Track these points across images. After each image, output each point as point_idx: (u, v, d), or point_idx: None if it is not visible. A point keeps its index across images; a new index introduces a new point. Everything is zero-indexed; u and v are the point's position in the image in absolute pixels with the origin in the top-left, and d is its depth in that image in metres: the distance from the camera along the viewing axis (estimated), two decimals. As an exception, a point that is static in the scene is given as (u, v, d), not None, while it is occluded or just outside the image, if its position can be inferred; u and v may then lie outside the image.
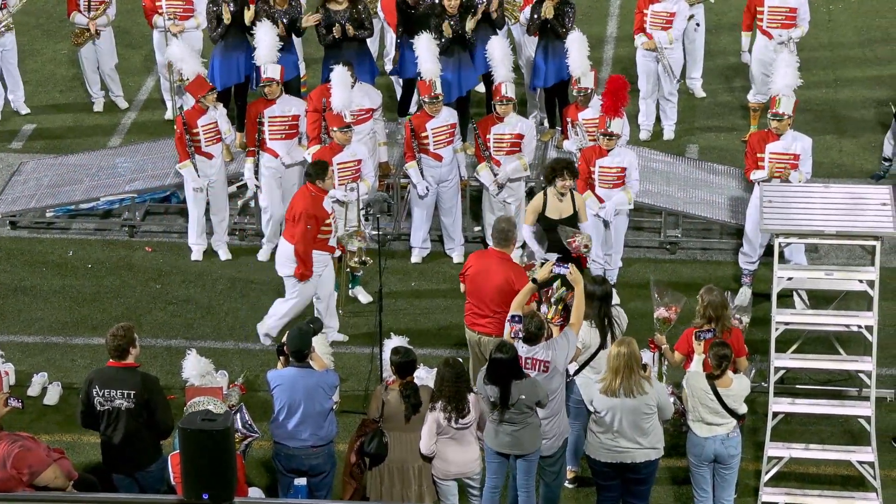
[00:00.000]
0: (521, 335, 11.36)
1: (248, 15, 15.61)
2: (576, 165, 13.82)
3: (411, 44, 15.46)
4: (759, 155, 14.27)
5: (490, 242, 13.22)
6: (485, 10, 15.64)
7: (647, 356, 12.00)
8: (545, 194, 13.56)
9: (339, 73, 14.52)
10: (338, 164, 14.17)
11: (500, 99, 14.74)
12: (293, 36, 15.92)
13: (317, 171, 13.52)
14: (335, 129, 14.23)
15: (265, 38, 15.08)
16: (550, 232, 13.46)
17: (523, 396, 11.17)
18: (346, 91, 14.45)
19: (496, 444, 11.42)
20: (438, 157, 14.83)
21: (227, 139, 14.98)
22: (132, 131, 17.50)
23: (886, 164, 16.17)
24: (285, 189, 15.10)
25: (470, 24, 15.56)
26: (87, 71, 17.64)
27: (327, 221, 13.58)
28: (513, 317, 11.50)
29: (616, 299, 14.24)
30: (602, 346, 11.93)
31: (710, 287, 12.10)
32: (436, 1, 15.56)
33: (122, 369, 11.38)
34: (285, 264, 13.57)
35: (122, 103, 17.88)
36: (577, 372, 11.98)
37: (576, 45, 15.19)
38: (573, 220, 13.53)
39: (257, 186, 15.15)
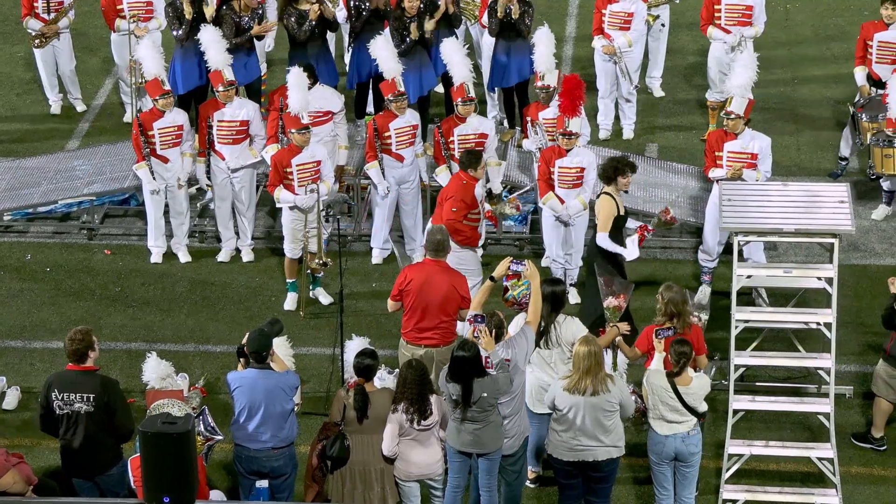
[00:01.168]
0: (480, 332, 11.35)
1: (209, 11, 15.55)
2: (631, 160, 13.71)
3: (362, 46, 15.48)
4: (717, 153, 14.35)
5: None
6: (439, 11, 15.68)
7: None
8: (611, 195, 13.44)
9: (296, 75, 14.49)
10: (296, 165, 14.15)
11: (464, 99, 14.74)
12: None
13: (471, 160, 13.72)
14: (293, 130, 14.20)
15: (212, 41, 15.01)
16: (619, 231, 13.44)
17: (485, 394, 11.18)
18: (302, 93, 14.42)
19: (458, 442, 11.42)
20: (400, 158, 14.82)
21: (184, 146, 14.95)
22: (90, 134, 17.43)
23: (843, 162, 16.26)
24: (237, 190, 15.07)
25: (430, 25, 15.57)
26: (44, 74, 17.55)
27: (475, 210, 13.75)
28: (475, 316, 11.49)
29: (576, 298, 14.32)
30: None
31: (668, 284, 12.16)
32: (378, 6, 15.57)
33: (81, 373, 11.32)
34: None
35: (80, 105, 17.80)
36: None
37: (543, 41, 15.22)
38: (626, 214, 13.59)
39: (208, 186, 15.12)
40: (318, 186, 14.09)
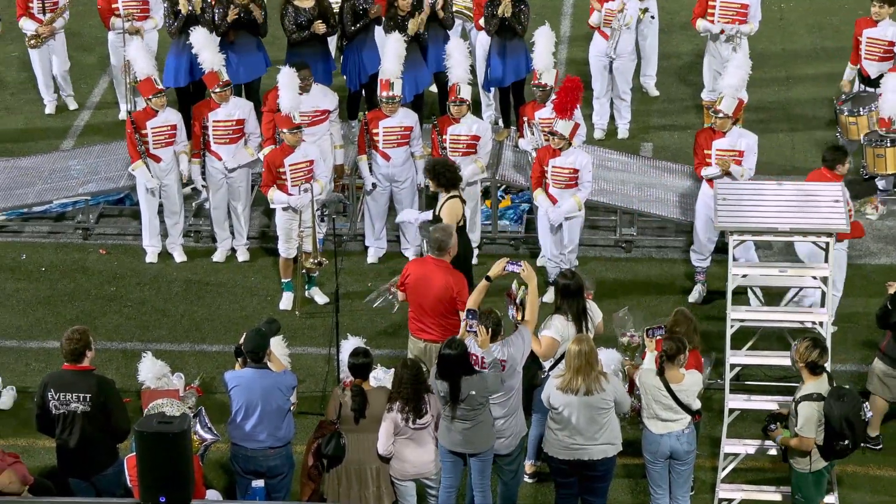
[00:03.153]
0: (474, 329, 11.35)
1: (196, 1, 15.55)
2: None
3: (356, 49, 15.51)
4: (706, 151, 14.38)
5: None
6: (432, 10, 15.66)
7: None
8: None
9: (287, 75, 14.51)
10: (289, 165, 14.16)
11: (455, 100, 14.76)
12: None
13: (836, 156, 13.63)
14: (284, 130, 14.21)
15: (205, 43, 15.00)
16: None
17: (473, 392, 11.18)
18: (293, 93, 14.44)
19: (448, 442, 11.43)
20: (386, 157, 14.84)
21: (177, 146, 14.94)
22: (85, 134, 17.42)
23: None
24: (233, 190, 15.07)
25: (412, 25, 15.48)
26: (40, 74, 17.54)
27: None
28: (468, 312, 11.50)
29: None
30: None
31: (683, 311, 12.16)
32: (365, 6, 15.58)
33: (77, 372, 11.32)
34: None
35: (71, 103, 17.77)
36: (552, 366, 11.96)
37: (543, 40, 15.23)
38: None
39: (203, 187, 15.13)
40: (311, 186, 14.10)
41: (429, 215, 13.84)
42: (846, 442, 11.38)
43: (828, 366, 11.62)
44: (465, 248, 13.30)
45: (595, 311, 12.21)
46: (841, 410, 11.29)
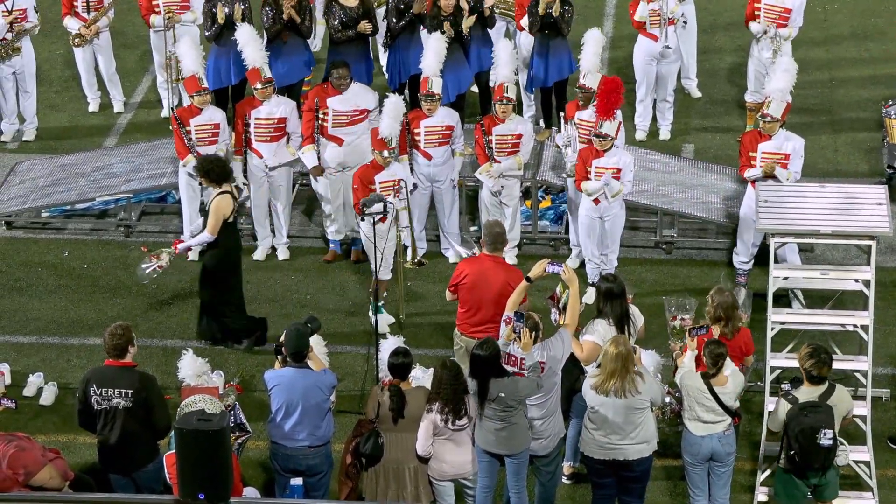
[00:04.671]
0: (519, 331, 11.31)
1: (237, 14, 15.59)
2: None
3: (400, 47, 15.53)
4: (752, 154, 14.32)
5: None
6: (479, 10, 15.69)
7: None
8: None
9: (393, 104, 14.29)
10: (379, 182, 14.05)
11: (501, 98, 14.76)
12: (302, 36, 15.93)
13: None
14: (377, 151, 14.09)
15: (249, 39, 15.05)
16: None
17: (503, 394, 11.16)
18: (396, 122, 14.25)
19: (483, 442, 11.44)
20: (428, 156, 14.84)
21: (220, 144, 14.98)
22: (128, 131, 17.49)
23: (890, 170, 16.02)
24: (274, 189, 15.11)
25: (467, 23, 15.57)
26: (83, 72, 17.61)
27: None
28: (516, 314, 11.41)
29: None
30: None
31: (720, 287, 12.15)
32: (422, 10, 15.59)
33: (119, 368, 11.37)
34: None
35: (118, 106, 17.83)
36: None
37: (592, 42, 15.21)
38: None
39: (245, 184, 15.17)
40: (403, 185, 14.04)
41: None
42: (792, 453, 11.33)
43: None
44: (235, 241, 13.70)
45: (637, 316, 12.16)
46: (799, 425, 11.22)
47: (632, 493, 11.64)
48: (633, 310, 12.15)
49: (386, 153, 14.07)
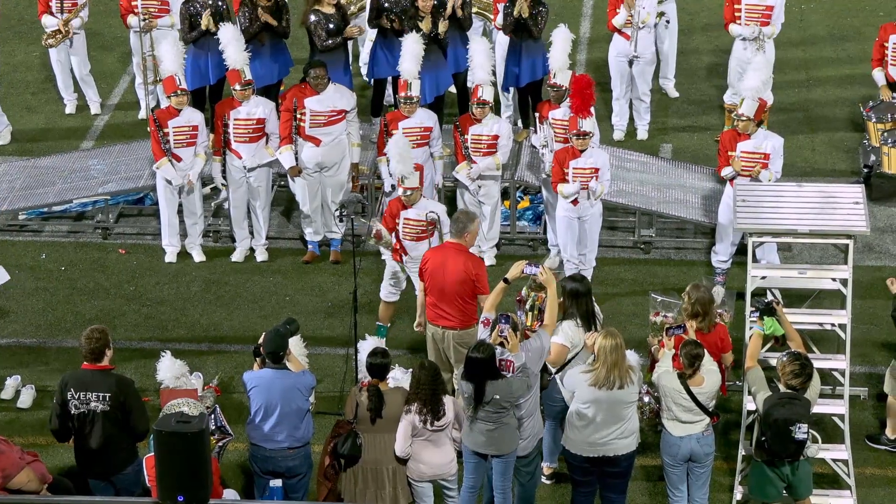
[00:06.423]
0: (506, 334, 11.26)
1: (206, 20, 15.58)
2: None
3: (384, 44, 15.51)
4: (730, 153, 14.35)
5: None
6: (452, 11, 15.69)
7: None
8: None
9: (395, 142, 13.80)
10: (404, 218, 13.54)
11: (477, 101, 14.76)
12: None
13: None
14: (403, 189, 13.47)
15: (232, 39, 15.03)
16: None
17: (497, 396, 11.17)
18: (403, 163, 13.61)
19: (472, 442, 11.43)
20: None
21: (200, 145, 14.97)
22: (105, 133, 17.45)
23: (867, 169, 16.08)
24: (253, 189, 15.10)
25: (442, 27, 15.56)
26: (59, 73, 17.57)
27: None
28: (500, 316, 11.35)
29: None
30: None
31: (696, 284, 12.17)
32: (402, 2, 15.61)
33: (97, 372, 11.34)
34: None
35: (95, 108, 17.79)
36: (559, 370, 11.93)
37: (559, 40, 15.21)
38: None
39: (223, 185, 15.14)
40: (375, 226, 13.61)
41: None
42: (763, 439, 11.36)
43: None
44: None
45: (600, 314, 12.18)
46: (775, 414, 11.24)
47: (615, 488, 11.65)
48: (597, 308, 12.17)
49: (409, 192, 13.40)
